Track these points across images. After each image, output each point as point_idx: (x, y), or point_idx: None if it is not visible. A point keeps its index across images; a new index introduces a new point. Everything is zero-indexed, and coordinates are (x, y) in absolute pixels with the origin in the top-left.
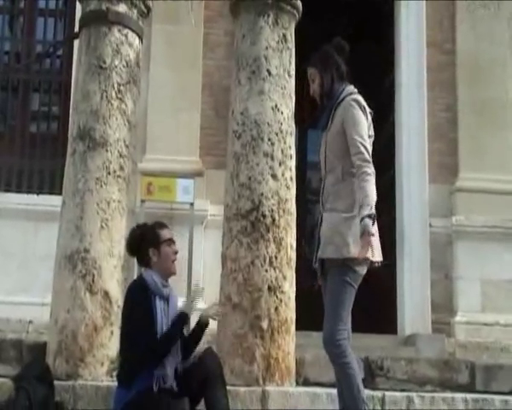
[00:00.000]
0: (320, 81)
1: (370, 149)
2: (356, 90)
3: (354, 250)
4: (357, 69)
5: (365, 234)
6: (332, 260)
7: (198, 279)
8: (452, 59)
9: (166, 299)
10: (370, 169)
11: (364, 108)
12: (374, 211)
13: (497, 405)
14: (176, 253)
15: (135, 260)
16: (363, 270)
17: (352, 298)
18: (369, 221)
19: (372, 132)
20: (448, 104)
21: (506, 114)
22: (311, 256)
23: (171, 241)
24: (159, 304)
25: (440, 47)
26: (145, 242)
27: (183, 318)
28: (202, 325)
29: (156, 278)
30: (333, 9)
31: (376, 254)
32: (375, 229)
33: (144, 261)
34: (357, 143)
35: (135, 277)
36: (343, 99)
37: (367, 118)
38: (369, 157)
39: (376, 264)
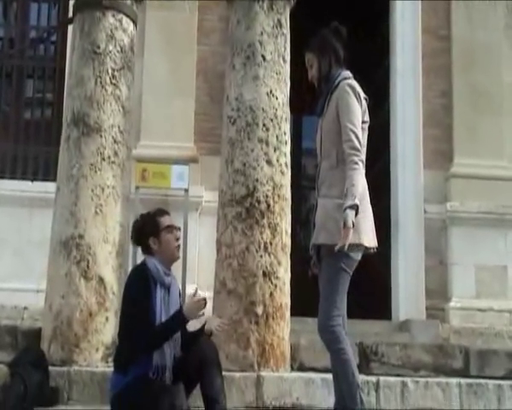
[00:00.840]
0: (318, 66)
1: (365, 135)
2: (351, 75)
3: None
4: (353, 56)
5: (346, 226)
6: (326, 247)
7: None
8: (448, 45)
9: (168, 288)
10: (359, 157)
11: (359, 94)
12: (357, 201)
13: (491, 389)
14: (177, 239)
15: (130, 246)
16: (357, 256)
17: (346, 284)
18: (350, 212)
19: (367, 118)
20: (443, 90)
21: (501, 101)
22: (306, 242)
23: (171, 227)
24: (159, 292)
25: (436, 33)
26: (145, 232)
27: (182, 319)
28: (207, 332)
29: (158, 265)
30: None
31: (371, 240)
32: (369, 214)
33: (147, 251)
34: (348, 130)
35: (130, 263)
36: (338, 84)
37: (361, 104)
38: (358, 145)
39: (372, 249)
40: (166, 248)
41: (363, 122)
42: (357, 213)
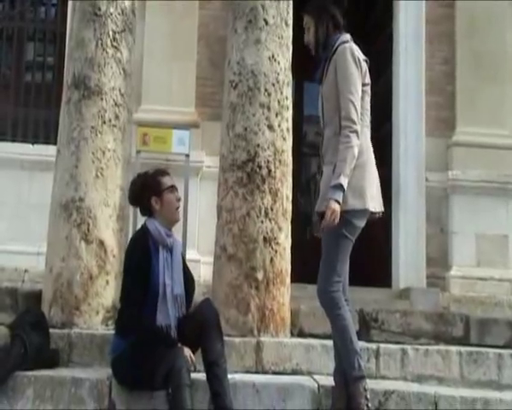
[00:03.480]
0: (315, 31)
1: (368, 98)
2: (349, 38)
3: (352, 202)
4: (356, 21)
5: (328, 206)
6: None
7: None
8: (451, 12)
9: (170, 249)
10: (352, 129)
11: (358, 58)
12: (342, 181)
13: (491, 358)
14: (179, 200)
15: (130, 210)
16: (360, 223)
17: (347, 251)
18: (334, 193)
19: (368, 80)
20: (446, 58)
21: (504, 69)
22: (307, 209)
23: (173, 188)
24: (162, 254)
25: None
26: (147, 190)
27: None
28: None
29: (160, 227)
30: None
31: (377, 204)
32: (375, 178)
33: (147, 211)
34: (345, 100)
35: (130, 227)
36: (336, 49)
37: (361, 67)
38: (355, 115)
39: (377, 214)
40: (168, 208)
41: (364, 85)
42: (343, 191)
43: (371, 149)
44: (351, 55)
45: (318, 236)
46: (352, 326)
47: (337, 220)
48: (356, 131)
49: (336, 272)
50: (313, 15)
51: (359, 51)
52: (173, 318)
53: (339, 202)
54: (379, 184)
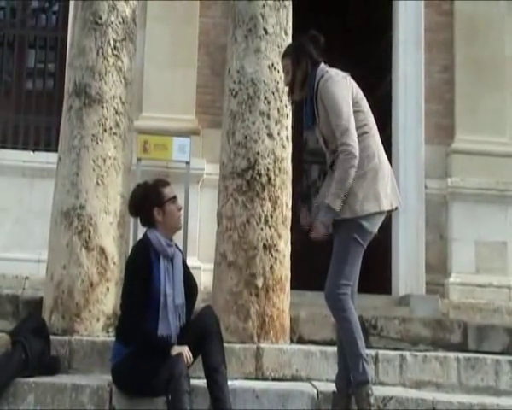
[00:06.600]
0: (293, 73)
1: (363, 103)
2: (324, 65)
3: (367, 207)
4: (356, 28)
5: (316, 229)
6: (344, 219)
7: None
8: (450, 20)
9: (171, 259)
10: (349, 151)
11: (341, 76)
12: (335, 206)
13: (489, 364)
14: (180, 209)
15: (130, 217)
16: (373, 227)
17: (357, 255)
18: (325, 214)
19: (358, 90)
20: (445, 65)
21: (503, 76)
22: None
23: (175, 199)
24: (163, 263)
25: (438, 7)
26: (149, 202)
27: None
28: None
29: (161, 237)
30: None
31: (394, 202)
32: (387, 177)
33: (148, 221)
34: (339, 128)
35: (131, 234)
36: (318, 86)
37: (346, 82)
38: (349, 139)
39: (393, 210)
40: (170, 218)
41: (357, 96)
42: (332, 214)
43: (382, 150)
44: (331, 82)
45: (303, 224)
46: (359, 330)
47: (319, 236)
48: (351, 153)
49: (344, 275)
50: (292, 58)
51: (338, 71)
52: (174, 328)
53: (325, 224)
54: (394, 180)
